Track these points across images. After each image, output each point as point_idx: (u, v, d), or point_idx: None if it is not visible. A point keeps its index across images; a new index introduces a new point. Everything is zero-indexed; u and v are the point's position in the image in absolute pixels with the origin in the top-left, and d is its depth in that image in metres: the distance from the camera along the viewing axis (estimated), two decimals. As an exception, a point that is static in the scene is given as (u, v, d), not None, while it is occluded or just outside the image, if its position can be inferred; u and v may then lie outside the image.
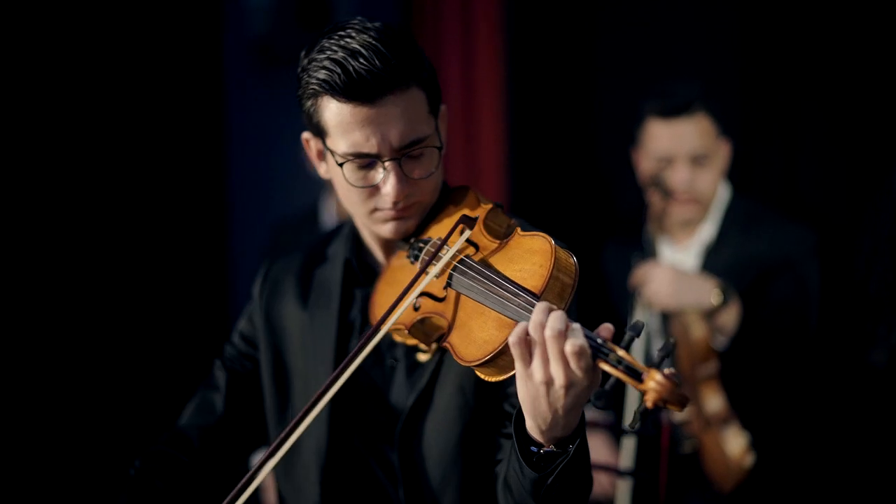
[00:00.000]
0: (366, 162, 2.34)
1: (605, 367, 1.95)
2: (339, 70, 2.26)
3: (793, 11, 4.83)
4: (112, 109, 4.80)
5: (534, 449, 2.10)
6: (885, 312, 3.55)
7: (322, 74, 2.29)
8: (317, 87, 2.31)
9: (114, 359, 4.78)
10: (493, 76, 5.17)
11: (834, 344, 3.99)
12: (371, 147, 2.31)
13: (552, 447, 2.08)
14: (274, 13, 5.46)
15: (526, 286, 2.10)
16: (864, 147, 4.59)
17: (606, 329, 2.00)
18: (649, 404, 1.90)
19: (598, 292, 4.41)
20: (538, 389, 1.99)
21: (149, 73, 4.95)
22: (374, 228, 2.46)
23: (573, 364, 1.95)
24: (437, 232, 2.44)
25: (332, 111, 2.31)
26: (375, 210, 2.41)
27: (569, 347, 1.94)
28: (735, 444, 3.96)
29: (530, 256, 2.17)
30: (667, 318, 4.12)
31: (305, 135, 2.49)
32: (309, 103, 2.37)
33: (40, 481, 4.52)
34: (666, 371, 1.90)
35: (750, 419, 4.01)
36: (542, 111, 5.14)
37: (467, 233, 2.35)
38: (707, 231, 4.23)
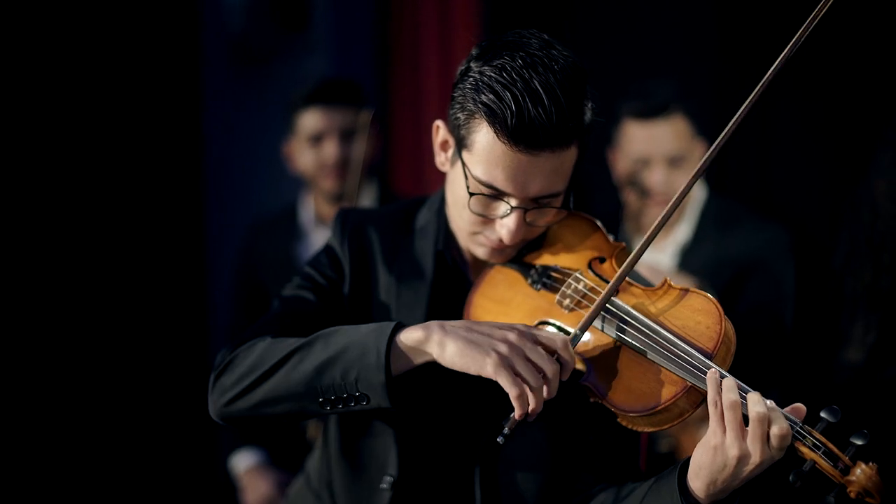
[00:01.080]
0: (495, 195, 2.27)
1: (803, 449, 1.96)
2: (513, 109, 2.17)
3: (769, 11, 4.84)
4: (88, 108, 4.78)
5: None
6: (861, 313, 3.57)
7: (493, 102, 2.20)
8: (482, 110, 2.22)
9: (89, 358, 4.76)
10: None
11: (809, 343, 4.00)
12: (508, 189, 2.25)
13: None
14: (250, 12, 5.45)
15: (698, 344, 2.07)
16: (841, 147, 4.61)
17: (800, 410, 2.02)
18: (853, 495, 1.92)
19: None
20: (728, 462, 1.98)
21: (125, 72, 4.93)
22: (470, 247, 2.40)
23: (775, 445, 1.96)
24: (555, 259, 2.38)
25: (487, 140, 2.23)
26: (479, 234, 2.35)
27: (776, 430, 1.95)
28: None
29: (693, 315, 2.13)
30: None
31: (439, 122, 2.42)
32: (464, 115, 2.28)
33: (13, 482, 4.51)
34: (870, 463, 1.93)
35: None
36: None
37: (604, 241, 2.34)
38: (683, 231, 4.24)
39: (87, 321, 4.76)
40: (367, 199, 4.56)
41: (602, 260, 2.35)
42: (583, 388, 2.19)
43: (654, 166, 4.16)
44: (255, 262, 4.67)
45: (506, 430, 2.12)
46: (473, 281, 2.46)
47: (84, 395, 4.73)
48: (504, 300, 2.35)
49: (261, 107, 5.39)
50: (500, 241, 2.32)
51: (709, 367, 2.03)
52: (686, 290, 2.18)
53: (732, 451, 1.97)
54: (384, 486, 2.40)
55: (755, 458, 1.97)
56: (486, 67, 2.24)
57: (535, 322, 2.26)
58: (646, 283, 2.32)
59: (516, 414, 2.10)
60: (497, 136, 2.20)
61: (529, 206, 2.29)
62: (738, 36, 4.88)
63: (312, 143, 4.52)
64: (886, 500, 3.66)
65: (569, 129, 2.23)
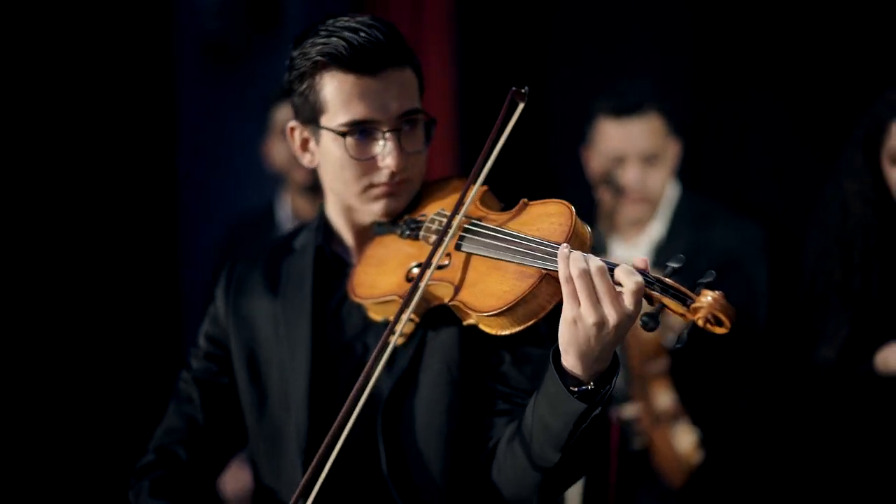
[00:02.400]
0: (365, 133, 2.41)
1: (653, 294, 2.00)
2: (343, 42, 2.35)
3: (744, 10, 4.86)
4: (63, 109, 4.77)
5: (574, 389, 2.11)
6: (833, 311, 3.58)
7: (325, 48, 2.36)
8: (320, 60, 2.37)
9: (62, 356, 4.75)
10: (443, 75, 5.17)
11: (782, 341, 4.02)
12: (373, 115, 2.39)
13: (591, 385, 2.10)
14: (225, 12, 5.44)
15: (549, 240, 2.14)
16: (815, 145, 4.63)
17: (642, 261, 2.05)
18: (701, 322, 1.96)
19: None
20: (589, 331, 2.02)
21: (100, 72, 4.91)
22: (366, 208, 2.49)
23: (629, 301, 2.01)
24: (424, 211, 2.48)
25: (334, 84, 2.38)
26: (369, 187, 2.45)
27: (631, 286, 1.99)
28: (685, 440, 3.98)
29: (547, 217, 2.22)
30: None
31: (292, 123, 2.54)
32: (305, 85, 2.42)
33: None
34: (716, 291, 1.97)
35: (700, 416, 4.03)
36: (492, 110, 5.13)
37: (474, 193, 2.40)
38: (656, 229, 4.26)
39: (60, 320, 4.74)
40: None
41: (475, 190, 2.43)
42: (454, 311, 2.29)
43: (628, 164, 4.17)
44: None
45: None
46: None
47: (56, 392, 4.71)
48: (381, 261, 2.48)
49: (235, 106, 5.38)
50: (390, 175, 2.42)
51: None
52: (544, 202, 2.27)
53: (590, 319, 2.01)
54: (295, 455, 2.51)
55: (613, 318, 2.01)
56: (307, 38, 2.42)
57: (409, 267, 2.38)
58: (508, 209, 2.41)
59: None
60: (341, 73, 2.37)
61: (399, 126, 2.41)
62: (712, 34, 4.91)
63: (285, 137, 4.56)
64: (834, 495, 3.70)
65: (399, 47, 2.41)
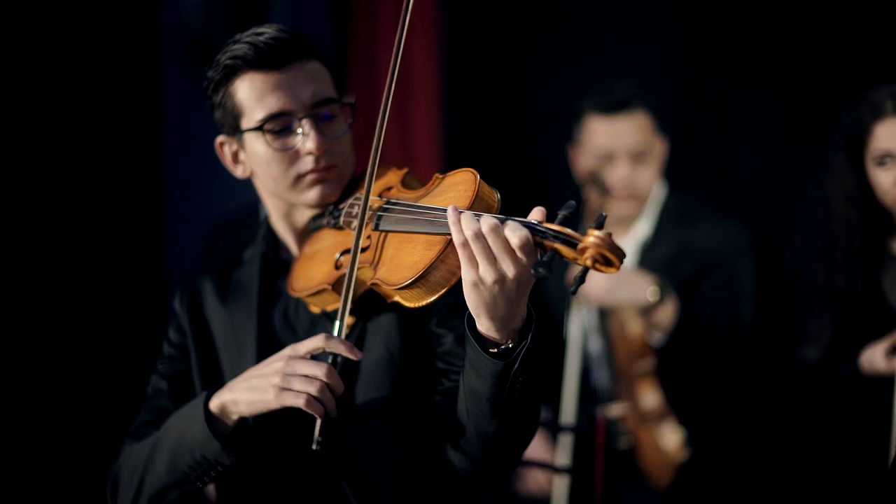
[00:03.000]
0: (283, 125, 2.51)
1: (546, 244, 2.03)
2: (247, 45, 2.49)
3: (724, 9, 4.87)
4: (46, 108, 4.75)
5: (493, 350, 2.16)
6: (816, 311, 3.59)
7: (231, 56, 2.50)
8: (229, 64, 2.50)
9: (46, 353, 4.73)
10: (428, 74, 5.17)
11: (766, 341, 4.03)
12: (286, 105, 2.50)
13: (509, 343, 2.15)
14: (208, 11, 5.43)
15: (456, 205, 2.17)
16: (797, 145, 4.64)
17: (539, 211, 2.08)
18: (590, 262, 1.97)
19: (533, 289, 4.41)
20: (492, 290, 2.07)
21: (83, 72, 4.90)
22: (300, 198, 2.57)
23: (521, 254, 2.03)
24: (351, 198, 2.55)
25: (245, 86, 2.51)
26: (299, 177, 2.55)
27: (516, 241, 2.02)
28: (671, 439, 3.98)
29: (455, 187, 2.28)
30: (604, 314, 4.14)
31: (220, 139, 2.65)
32: (220, 95, 2.55)
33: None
34: (603, 231, 1.98)
35: (686, 415, 4.03)
36: (477, 109, 5.14)
37: (394, 172, 2.51)
38: (643, 228, 4.26)
39: (43, 319, 4.73)
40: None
41: (390, 188, 2.51)
42: (378, 291, 2.35)
43: (617, 161, 4.17)
44: (215, 256, 4.66)
45: (316, 436, 2.35)
46: None
47: (39, 391, 4.70)
48: (313, 254, 2.56)
49: (219, 106, 5.36)
50: (315, 160, 2.51)
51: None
52: (453, 173, 2.32)
53: (489, 277, 2.06)
54: None
55: (510, 272, 2.05)
56: (215, 59, 2.56)
57: (336, 256, 2.46)
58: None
59: (317, 413, 2.34)
60: (250, 73, 2.49)
61: (314, 111, 2.52)
62: (694, 34, 4.91)
63: None
64: (819, 494, 3.70)
65: (302, 42, 2.53)
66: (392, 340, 2.50)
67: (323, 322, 2.58)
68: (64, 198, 4.82)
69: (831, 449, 3.65)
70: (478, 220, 2.06)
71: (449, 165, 5.24)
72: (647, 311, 3.95)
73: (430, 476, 2.50)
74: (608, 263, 1.97)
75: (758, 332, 4.11)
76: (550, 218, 2.06)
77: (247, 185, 4.87)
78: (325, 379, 2.34)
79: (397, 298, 2.28)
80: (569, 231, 2.02)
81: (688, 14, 4.94)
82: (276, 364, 2.38)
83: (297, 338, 2.59)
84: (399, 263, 2.26)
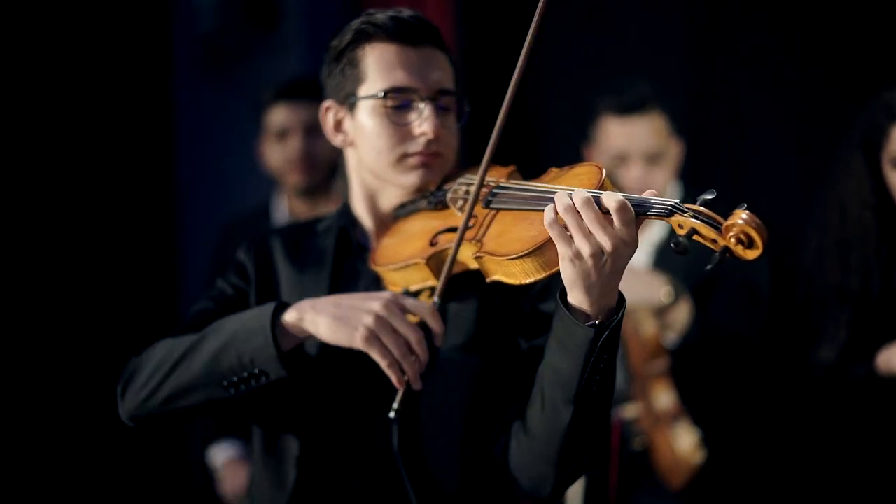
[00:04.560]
0: (403, 101, 2.47)
1: (682, 220, 1.99)
2: (388, 17, 2.47)
3: (738, 10, 4.86)
4: (60, 108, 4.76)
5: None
6: (831, 312, 3.58)
7: (368, 23, 2.47)
8: (364, 29, 2.47)
9: (61, 355, 4.74)
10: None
11: (781, 342, 4.02)
12: (413, 82, 2.46)
13: (598, 320, 2.10)
14: (222, 10, 5.44)
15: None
16: (813, 147, 4.64)
17: (651, 193, 2.07)
18: (733, 242, 1.95)
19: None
20: (587, 264, 2.02)
21: (96, 71, 4.91)
22: (399, 178, 2.51)
23: (617, 222, 2.00)
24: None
25: (376, 54, 2.47)
26: (405, 156, 2.49)
27: (611, 204, 2.00)
28: (685, 440, 3.97)
29: (577, 177, 2.23)
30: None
31: (326, 103, 2.59)
32: (344, 60, 2.51)
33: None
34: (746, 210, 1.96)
35: (700, 416, 4.02)
36: (491, 109, 5.14)
37: (498, 169, 2.46)
38: (657, 229, 4.25)
39: (58, 320, 4.74)
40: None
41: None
42: (479, 268, 2.28)
43: (631, 163, 4.16)
44: (226, 262, 4.65)
45: (396, 405, 2.27)
46: None
47: (53, 391, 4.71)
48: (405, 233, 2.50)
49: (232, 106, 5.37)
50: (427, 143, 2.47)
51: None
52: (573, 166, 2.29)
53: (586, 250, 2.01)
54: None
55: (608, 245, 2.01)
56: (343, 29, 2.53)
57: (437, 232, 2.39)
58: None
59: (394, 382, 2.26)
60: (383, 44, 2.47)
61: (437, 97, 2.48)
62: (707, 36, 4.91)
63: (279, 139, 4.57)
64: (835, 496, 3.69)
65: (438, 32, 2.51)
66: (469, 330, 2.43)
67: None
68: (76, 199, 4.84)
69: (847, 451, 3.64)
70: (569, 195, 2.04)
71: (468, 158, 5.24)
72: (660, 312, 3.93)
73: (490, 475, 2.43)
74: (751, 245, 1.94)
75: (772, 333, 4.10)
76: (690, 201, 2.03)
77: (261, 185, 4.92)
78: (415, 344, 2.27)
79: (500, 276, 2.22)
80: (712, 213, 1.99)
81: (702, 14, 4.93)
82: (374, 303, 2.28)
83: None
84: (512, 237, 2.20)
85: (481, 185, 2.33)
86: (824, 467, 3.79)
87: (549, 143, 5.27)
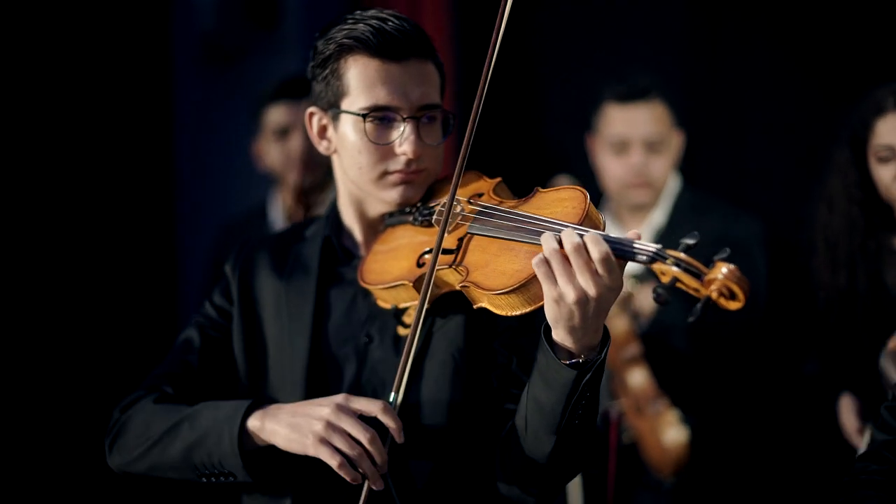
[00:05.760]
0: (384, 118, 2.44)
1: (664, 268, 2.00)
2: (371, 28, 2.41)
3: (737, 6, 4.87)
4: (60, 106, 4.76)
5: (565, 362, 2.13)
6: (822, 311, 3.60)
7: (352, 33, 2.43)
8: (346, 43, 2.43)
9: (59, 356, 4.74)
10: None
11: (777, 336, 4.04)
12: (393, 101, 2.43)
13: (581, 358, 2.13)
14: (222, 10, 5.44)
15: (563, 220, 2.15)
16: (810, 142, 4.64)
17: (634, 234, 2.07)
18: (715, 295, 1.95)
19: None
20: (572, 308, 2.04)
21: (97, 70, 4.91)
22: (381, 195, 2.51)
23: (601, 270, 2.02)
24: (437, 200, 2.49)
25: (359, 68, 2.44)
26: (385, 174, 2.48)
27: (596, 254, 2.01)
28: (667, 422, 3.98)
29: (561, 202, 2.23)
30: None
31: (311, 109, 2.57)
32: (328, 69, 2.47)
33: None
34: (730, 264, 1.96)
35: (680, 398, 4.03)
36: (492, 100, 5.14)
37: (484, 180, 2.45)
38: (658, 217, 4.28)
39: (57, 320, 4.74)
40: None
41: (480, 195, 2.44)
42: (464, 294, 2.29)
43: (631, 149, 4.19)
44: (225, 261, 4.65)
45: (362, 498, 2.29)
46: None
47: (52, 392, 4.70)
48: (392, 248, 2.50)
49: (232, 105, 5.38)
50: (407, 162, 2.46)
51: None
52: (557, 189, 2.29)
53: (570, 296, 2.04)
54: None
55: (592, 291, 2.03)
56: (336, 26, 2.49)
57: (421, 253, 2.39)
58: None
59: (349, 481, 2.28)
60: (367, 57, 2.43)
61: (418, 115, 2.45)
62: (707, 30, 4.92)
63: (279, 138, 4.57)
64: (824, 483, 3.69)
65: (425, 40, 2.47)
66: (457, 345, 2.44)
67: (381, 317, 2.51)
68: (76, 198, 4.84)
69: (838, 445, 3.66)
70: (557, 238, 2.06)
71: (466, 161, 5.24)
72: (626, 301, 3.97)
73: (478, 490, 2.45)
74: (733, 297, 1.95)
75: (769, 327, 4.12)
76: (673, 246, 2.04)
77: (260, 185, 4.93)
78: (367, 445, 2.28)
79: (486, 304, 2.24)
80: (695, 262, 1.99)
81: (701, 11, 4.94)
82: (324, 409, 2.31)
83: (353, 327, 2.53)
84: (497, 269, 2.21)
85: (449, 212, 2.32)
86: (819, 462, 3.82)
87: (552, 136, 5.29)
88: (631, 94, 4.22)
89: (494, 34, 2.35)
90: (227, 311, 2.65)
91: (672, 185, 4.31)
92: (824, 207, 3.58)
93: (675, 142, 4.28)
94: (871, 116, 3.44)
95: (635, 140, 4.20)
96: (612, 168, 4.25)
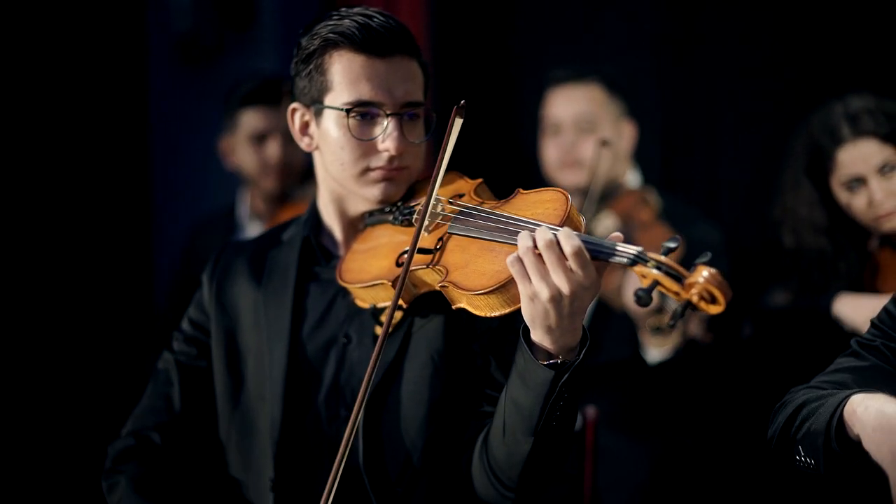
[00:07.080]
0: (367, 114, 2.45)
1: (645, 271, 2.01)
2: (356, 24, 2.42)
3: (711, 10, 4.89)
4: (34, 106, 4.74)
5: (543, 363, 2.14)
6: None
7: (340, 28, 2.43)
8: (331, 38, 2.44)
9: (32, 354, 4.72)
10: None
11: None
12: (377, 97, 2.44)
13: (559, 359, 2.14)
14: (196, 10, 5.43)
15: (543, 221, 2.15)
16: (784, 149, 4.67)
17: (618, 236, 2.08)
18: (695, 298, 1.96)
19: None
20: (547, 305, 2.05)
21: (71, 70, 4.89)
22: (362, 191, 2.51)
23: (574, 265, 2.03)
24: (417, 201, 2.49)
25: (344, 63, 2.44)
26: (367, 170, 2.48)
27: (568, 248, 2.02)
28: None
29: (543, 204, 2.24)
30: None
31: (293, 105, 2.57)
32: (312, 65, 2.48)
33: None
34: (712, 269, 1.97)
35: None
36: (472, 102, 5.14)
37: (465, 181, 2.46)
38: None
39: (30, 317, 4.72)
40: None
41: (461, 195, 2.45)
42: (443, 294, 2.29)
43: (563, 130, 4.18)
44: (193, 260, 4.64)
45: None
46: None
47: (29, 388, 4.68)
48: (372, 247, 2.50)
49: (207, 105, 5.37)
50: (389, 159, 2.46)
51: None
52: (539, 191, 2.30)
53: (544, 293, 2.05)
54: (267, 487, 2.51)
55: (566, 288, 2.04)
56: (321, 22, 2.49)
57: (400, 252, 2.38)
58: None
59: None
60: (352, 52, 2.43)
61: (401, 111, 2.46)
62: (680, 38, 4.94)
63: (255, 143, 4.54)
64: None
65: (409, 38, 2.48)
66: (436, 346, 2.44)
67: (359, 316, 2.51)
68: (51, 197, 4.82)
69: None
70: (530, 236, 2.07)
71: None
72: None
73: (451, 494, 2.46)
74: (713, 301, 1.96)
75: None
76: (655, 249, 2.04)
77: (235, 183, 4.92)
78: None
79: (464, 305, 2.25)
80: (675, 265, 2.00)
81: (674, 15, 4.96)
82: None
83: (332, 328, 2.54)
84: (477, 270, 2.22)
85: (426, 211, 2.33)
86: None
87: (532, 138, 5.31)
88: (566, 76, 4.21)
89: (441, 151, 2.33)
90: (205, 327, 2.65)
91: (631, 180, 4.28)
92: (791, 236, 3.58)
93: (625, 133, 4.24)
94: (830, 147, 3.42)
95: (566, 120, 4.17)
96: (546, 151, 4.23)
